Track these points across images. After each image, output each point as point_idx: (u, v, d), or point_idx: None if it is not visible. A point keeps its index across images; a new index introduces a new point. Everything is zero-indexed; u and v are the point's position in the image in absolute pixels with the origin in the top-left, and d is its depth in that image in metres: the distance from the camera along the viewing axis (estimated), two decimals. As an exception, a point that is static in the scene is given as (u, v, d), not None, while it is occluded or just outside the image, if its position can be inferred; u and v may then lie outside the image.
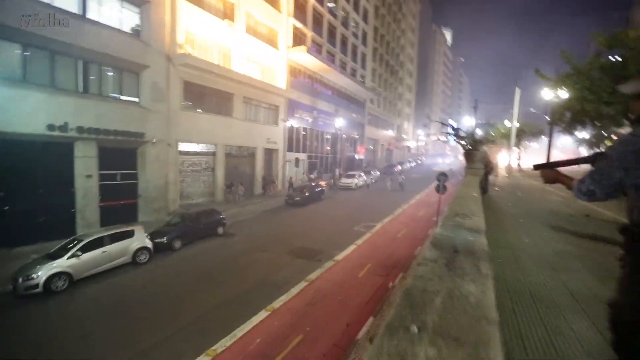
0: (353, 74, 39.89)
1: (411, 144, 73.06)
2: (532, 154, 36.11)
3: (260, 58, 24.30)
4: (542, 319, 2.61)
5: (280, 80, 26.46)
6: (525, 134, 31.68)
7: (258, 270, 10.97)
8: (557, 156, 26.37)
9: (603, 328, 2.38)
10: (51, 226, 12.75)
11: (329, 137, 35.46)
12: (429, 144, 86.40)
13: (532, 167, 2.51)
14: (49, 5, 12.19)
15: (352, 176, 30.95)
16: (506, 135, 28.70)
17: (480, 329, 0.88)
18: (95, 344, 7.00)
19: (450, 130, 9.83)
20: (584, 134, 28.22)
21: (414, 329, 0.89)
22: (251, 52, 23.13)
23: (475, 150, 9.77)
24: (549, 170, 1.96)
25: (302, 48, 27.03)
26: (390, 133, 56.72)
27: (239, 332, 7.40)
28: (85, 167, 13.63)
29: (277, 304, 8.71)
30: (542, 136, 33.12)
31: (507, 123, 33.38)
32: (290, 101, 27.73)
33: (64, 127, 12.56)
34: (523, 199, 10.68)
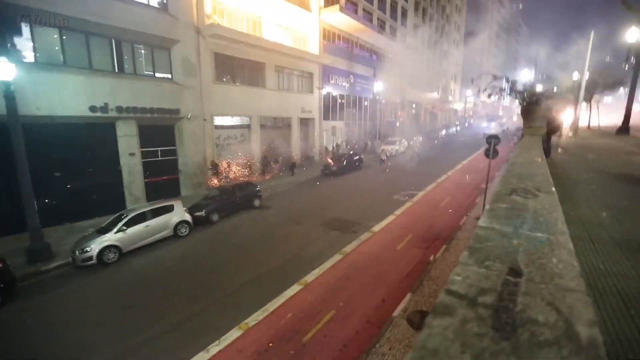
0: (393, 33, 36.76)
1: (458, 105, 67.42)
2: (605, 110, 31.21)
3: (291, 23, 23.06)
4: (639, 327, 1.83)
5: (313, 45, 25.12)
6: (598, 86, 27.10)
7: (292, 243, 10.83)
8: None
9: None
10: (104, 202, 13.65)
11: (367, 103, 33.70)
12: (479, 105, 78.96)
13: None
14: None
15: (393, 142, 29.45)
16: (573, 89, 24.77)
17: None
18: (136, 314, 7.37)
19: (502, 84, 8.36)
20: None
21: None
22: (282, 17, 21.98)
23: (534, 106, 8.28)
24: None
25: (335, 8, 25.15)
26: (434, 95, 52.61)
27: (271, 306, 7.32)
28: (128, 145, 14.21)
29: (310, 277, 8.49)
30: (621, 88, 28.26)
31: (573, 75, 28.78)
32: (325, 67, 26.40)
33: (104, 108, 13.02)
34: (596, 162, 9.02)
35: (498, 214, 1.39)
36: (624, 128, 16.74)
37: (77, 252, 9.71)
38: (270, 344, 6.17)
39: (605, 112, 30.12)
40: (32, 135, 10.77)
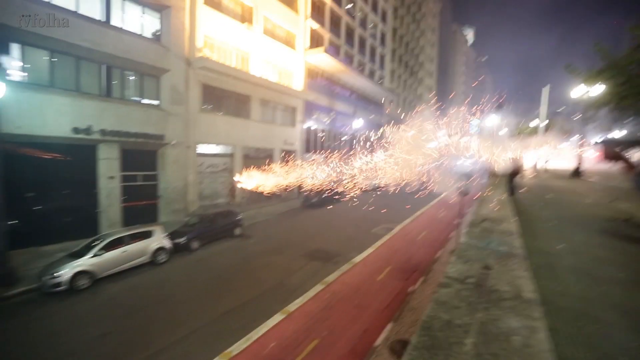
0: (371, 76, 39.39)
1: (432, 144, 71.21)
2: (561, 154, 34.29)
3: (277, 60, 24.35)
4: (589, 339, 2.29)
5: (297, 81, 26.44)
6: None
7: (274, 272, 10.86)
8: (589, 156, 24.82)
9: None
10: (77, 226, 13.15)
11: (346, 138, 35.13)
12: (451, 144, 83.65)
13: (595, 146, 2.25)
14: (75, 13, 12.63)
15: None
16: (532, 135, 27.39)
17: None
18: (113, 343, 7.06)
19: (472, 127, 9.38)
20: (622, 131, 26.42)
21: None
22: (269, 54, 23.22)
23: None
24: (613, 150, 1.74)
25: (320, 50, 26.90)
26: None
27: (254, 335, 7.29)
28: (108, 168, 14.02)
29: (292, 307, 8.55)
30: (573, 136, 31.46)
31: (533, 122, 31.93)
32: (308, 103, 27.65)
33: (88, 130, 12.97)
34: (553, 202, 10.04)
35: (474, 234, 1.86)
36: (576, 171, 18.58)
37: (45, 278, 9.24)
38: (254, 374, 6.13)
39: (562, 156, 33.04)
40: (8, 153, 10.49)
